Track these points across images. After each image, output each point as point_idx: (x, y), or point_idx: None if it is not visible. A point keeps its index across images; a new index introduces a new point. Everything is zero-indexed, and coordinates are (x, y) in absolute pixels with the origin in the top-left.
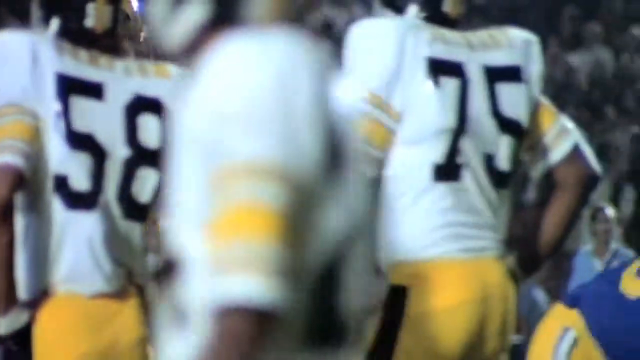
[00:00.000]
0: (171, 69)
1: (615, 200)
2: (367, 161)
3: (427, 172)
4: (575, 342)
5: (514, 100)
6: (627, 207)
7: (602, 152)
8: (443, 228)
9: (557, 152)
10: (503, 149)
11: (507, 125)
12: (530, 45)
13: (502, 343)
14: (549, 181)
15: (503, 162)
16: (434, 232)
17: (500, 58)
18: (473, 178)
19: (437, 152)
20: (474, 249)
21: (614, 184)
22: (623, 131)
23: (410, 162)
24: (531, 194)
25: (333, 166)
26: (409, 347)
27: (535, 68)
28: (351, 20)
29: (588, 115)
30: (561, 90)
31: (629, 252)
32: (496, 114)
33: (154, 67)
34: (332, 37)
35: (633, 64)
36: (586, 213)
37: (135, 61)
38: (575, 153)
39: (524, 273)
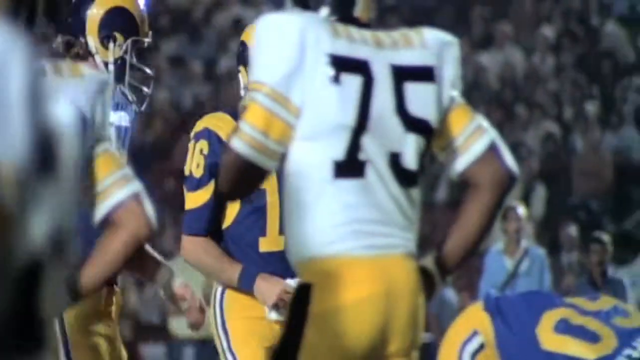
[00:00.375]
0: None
1: (526, 199)
2: (266, 155)
3: (327, 169)
4: (481, 347)
5: (422, 99)
6: (538, 206)
7: (513, 151)
8: (347, 225)
9: (473, 151)
10: (409, 148)
11: (413, 124)
12: (446, 47)
13: (410, 341)
14: (460, 181)
15: (409, 160)
16: (337, 228)
17: (411, 58)
18: (377, 175)
19: (336, 149)
20: (379, 245)
21: (525, 183)
22: (534, 130)
23: (311, 158)
24: (442, 194)
25: (43, 167)
26: (314, 344)
27: (449, 69)
28: None
29: (499, 115)
30: (471, 90)
31: (540, 251)
32: (402, 112)
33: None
34: (240, 34)
35: (543, 64)
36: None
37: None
38: (491, 152)
39: (442, 274)
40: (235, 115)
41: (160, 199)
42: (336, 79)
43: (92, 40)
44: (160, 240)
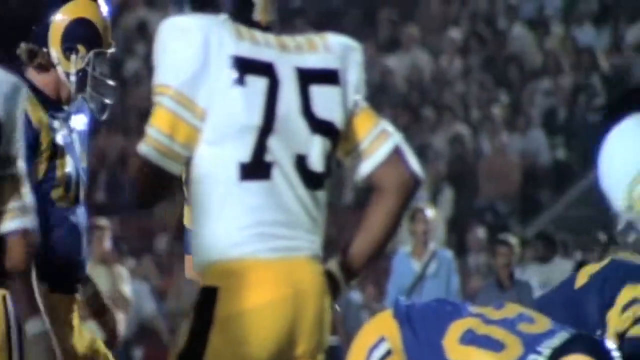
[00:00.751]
0: None
1: (434, 201)
2: (172, 159)
3: (233, 171)
4: (388, 353)
5: (327, 102)
6: (446, 208)
7: (420, 153)
8: (252, 227)
9: (377, 155)
10: (315, 150)
11: (319, 126)
12: (350, 51)
13: (316, 344)
14: (366, 184)
15: (316, 162)
16: (242, 231)
17: (316, 61)
18: (283, 177)
19: (242, 151)
20: (285, 248)
21: (433, 185)
22: (441, 133)
23: (216, 160)
24: (348, 197)
25: None
26: (219, 348)
27: (353, 73)
28: None
29: (406, 117)
30: (378, 93)
31: (448, 253)
32: (308, 114)
33: None
34: (146, 37)
35: (451, 66)
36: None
37: None
38: (396, 156)
39: (347, 277)
40: None
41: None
42: (241, 81)
43: (55, 51)
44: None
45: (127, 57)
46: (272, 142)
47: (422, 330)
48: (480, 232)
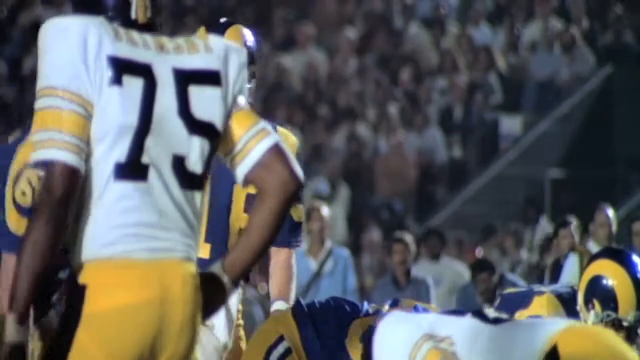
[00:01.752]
0: None
1: (331, 199)
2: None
3: (109, 170)
4: (288, 352)
5: (207, 103)
6: (342, 205)
7: (317, 152)
8: (125, 227)
9: (254, 154)
10: (194, 151)
11: (198, 126)
12: (231, 52)
13: (184, 349)
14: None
15: (194, 164)
16: (115, 230)
17: (196, 62)
18: (159, 178)
19: (119, 151)
20: (157, 249)
21: (330, 183)
22: (338, 131)
23: (96, 159)
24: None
25: None
26: (84, 345)
27: (234, 74)
28: None
29: (302, 116)
30: (274, 92)
31: (344, 251)
32: (186, 115)
33: None
34: None
35: (346, 65)
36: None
37: None
38: (275, 155)
39: (231, 279)
40: None
41: None
42: (118, 81)
43: None
44: None
45: (26, 55)
46: (150, 144)
47: (323, 329)
48: (375, 232)
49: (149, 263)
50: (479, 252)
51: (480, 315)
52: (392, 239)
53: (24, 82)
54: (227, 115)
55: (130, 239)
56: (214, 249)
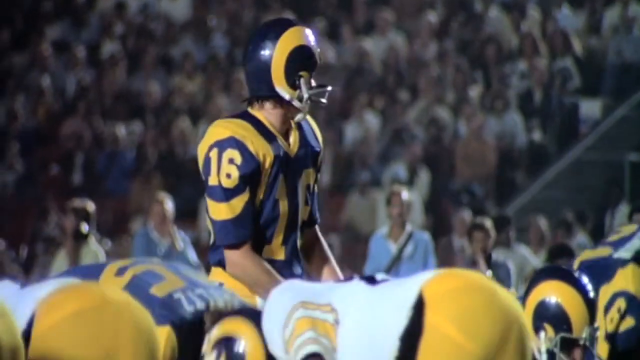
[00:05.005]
0: None
1: (410, 184)
2: None
3: None
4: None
5: None
6: (422, 190)
7: (397, 136)
8: None
9: None
10: None
11: None
12: None
13: None
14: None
15: None
16: None
17: None
18: None
19: None
20: None
21: (410, 168)
22: (418, 115)
23: None
24: (324, 178)
25: None
26: None
27: None
28: None
29: (382, 100)
30: (355, 76)
31: (424, 235)
32: None
33: None
34: (123, 18)
35: (426, 49)
36: (382, 197)
37: None
38: None
39: None
40: (250, 120)
41: (44, 183)
42: None
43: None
44: (44, 224)
45: (103, 40)
46: None
47: None
48: (461, 214)
49: None
50: (559, 238)
51: (366, 278)
52: (472, 224)
53: (102, 66)
54: None
55: None
56: (288, 251)
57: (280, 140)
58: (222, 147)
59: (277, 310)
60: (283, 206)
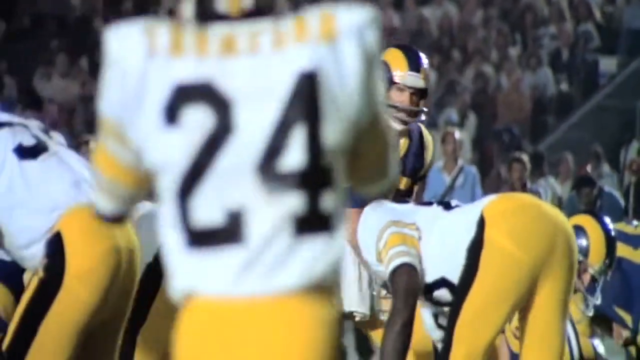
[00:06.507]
0: None
1: (461, 126)
2: None
3: None
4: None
5: None
6: (471, 131)
7: (450, 87)
8: None
9: None
10: None
11: None
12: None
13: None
14: None
15: None
16: None
17: None
18: None
19: None
20: None
21: (460, 113)
22: (467, 71)
23: None
24: None
25: None
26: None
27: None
28: None
29: (439, 59)
30: (415, 38)
31: (473, 169)
32: None
33: None
34: None
35: (474, 15)
36: (437, 136)
37: None
38: None
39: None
40: None
41: None
42: None
43: None
44: None
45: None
46: None
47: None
48: (498, 150)
49: None
50: (588, 169)
51: (443, 204)
52: (511, 158)
53: None
54: None
55: None
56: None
57: None
58: None
59: (372, 225)
60: None
